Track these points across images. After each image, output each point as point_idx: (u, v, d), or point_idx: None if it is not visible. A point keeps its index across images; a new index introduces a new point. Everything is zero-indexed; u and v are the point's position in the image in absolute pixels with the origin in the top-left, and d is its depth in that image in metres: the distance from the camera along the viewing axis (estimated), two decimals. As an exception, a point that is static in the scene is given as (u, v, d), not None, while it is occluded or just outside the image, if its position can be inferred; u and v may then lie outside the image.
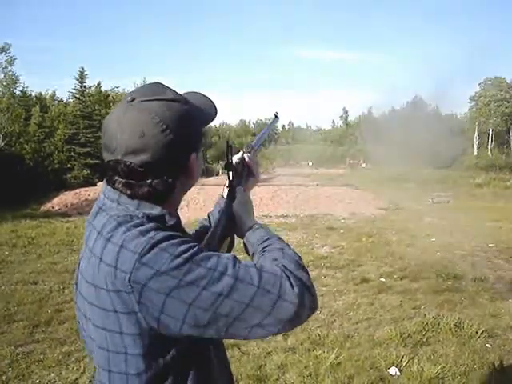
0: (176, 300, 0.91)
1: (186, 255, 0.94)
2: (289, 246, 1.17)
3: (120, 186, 1.06)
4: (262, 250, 1.17)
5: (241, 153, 1.46)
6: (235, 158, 1.43)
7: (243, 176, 1.43)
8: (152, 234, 0.96)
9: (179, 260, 0.92)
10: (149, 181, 1.04)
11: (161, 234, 0.96)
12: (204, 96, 1.22)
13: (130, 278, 0.92)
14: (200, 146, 1.14)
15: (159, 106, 1.03)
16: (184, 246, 0.95)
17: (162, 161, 1.03)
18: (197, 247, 0.98)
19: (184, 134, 1.06)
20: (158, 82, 1.12)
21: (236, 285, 0.94)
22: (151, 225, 0.99)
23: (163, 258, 0.92)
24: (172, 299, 0.91)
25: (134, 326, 0.96)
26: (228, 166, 1.34)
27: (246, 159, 1.46)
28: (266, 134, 1.65)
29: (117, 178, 1.06)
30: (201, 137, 1.15)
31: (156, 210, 1.06)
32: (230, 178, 1.36)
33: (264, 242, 1.21)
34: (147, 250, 0.93)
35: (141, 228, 0.97)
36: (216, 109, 1.21)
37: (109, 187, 1.10)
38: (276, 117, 1.74)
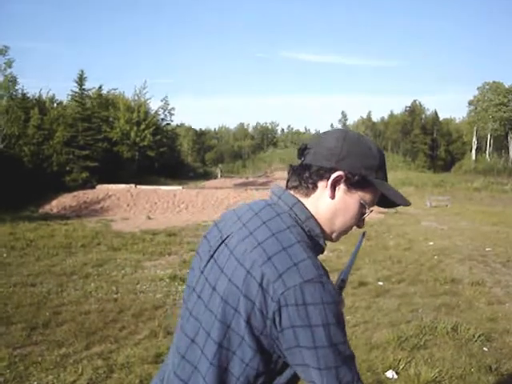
0: (293, 334, 1.03)
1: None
2: None
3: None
4: None
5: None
6: None
7: None
8: (321, 271, 1.06)
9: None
10: (305, 163, 1.22)
11: (326, 278, 1.06)
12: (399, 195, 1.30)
13: (283, 292, 1.02)
14: (356, 184, 1.19)
15: (356, 135, 1.24)
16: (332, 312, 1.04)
17: (318, 153, 1.20)
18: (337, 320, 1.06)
19: (349, 154, 1.18)
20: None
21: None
22: (320, 263, 1.09)
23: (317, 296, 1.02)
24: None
25: (256, 320, 1.06)
26: None
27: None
28: (354, 261, 1.55)
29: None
30: (363, 179, 1.19)
31: (318, 230, 1.19)
32: None
33: None
34: (312, 282, 1.03)
35: (314, 261, 1.07)
36: (399, 202, 1.29)
37: (287, 191, 1.24)
38: (363, 235, 1.57)
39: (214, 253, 1.20)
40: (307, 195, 1.20)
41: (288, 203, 1.20)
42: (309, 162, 1.20)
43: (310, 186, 1.19)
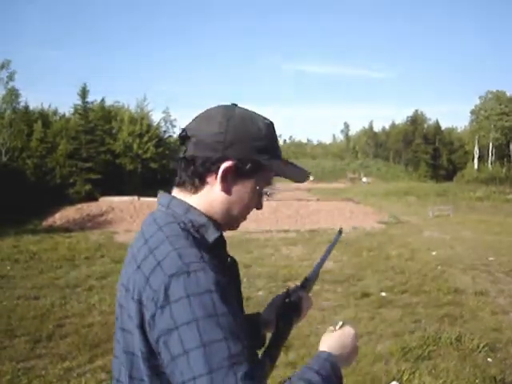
0: (164, 345, 0.89)
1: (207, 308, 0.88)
2: None
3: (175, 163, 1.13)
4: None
5: (296, 291, 1.35)
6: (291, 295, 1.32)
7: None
8: (189, 259, 0.93)
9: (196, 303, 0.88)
10: (186, 155, 1.08)
11: (196, 265, 0.92)
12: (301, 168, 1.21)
13: (153, 297, 0.91)
14: (248, 170, 1.08)
15: (242, 112, 1.11)
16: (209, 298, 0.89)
17: (201, 141, 1.07)
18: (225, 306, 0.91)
19: (235, 138, 1.06)
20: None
21: None
22: (194, 250, 0.96)
23: (183, 290, 0.89)
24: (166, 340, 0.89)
25: (141, 342, 0.95)
26: (281, 317, 1.27)
27: (302, 298, 1.34)
28: (327, 258, 1.47)
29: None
30: (254, 162, 1.08)
31: (202, 219, 1.06)
32: (280, 330, 1.27)
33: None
34: (176, 275, 0.90)
35: (182, 251, 0.95)
36: (303, 173, 1.20)
37: (162, 193, 1.15)
38: (340, 232, 1.57)
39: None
40: (196, 192, 1.09)
41: (165, 203, 1.11)
42: (192, 154, 1.07)
43: (197, 181, 1.07)
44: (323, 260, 1.45)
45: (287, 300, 1.28)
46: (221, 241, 1.09)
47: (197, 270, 0.91)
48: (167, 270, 0.92)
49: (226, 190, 1.07)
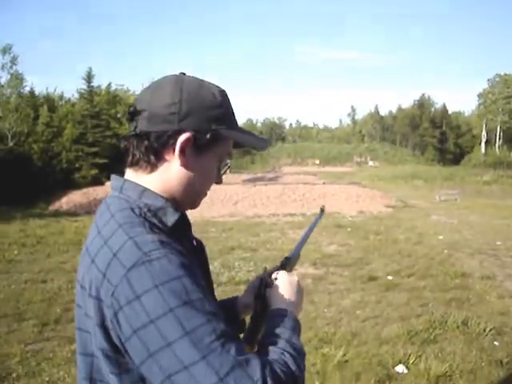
0: (139, 341, 0.82)
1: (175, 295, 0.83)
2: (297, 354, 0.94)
3: (122, 142, 1.04)
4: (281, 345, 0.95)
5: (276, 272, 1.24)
6: (273, 275, 1.21)
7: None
8: (148, 248, 0.86)
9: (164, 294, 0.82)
10: (137, 132, 0.98)
11: (157, 253, 0.86)
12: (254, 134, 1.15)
13: (113, 293, 0.84)
14: (206, 141, 1.00)
15: (192, 82, 1.02)
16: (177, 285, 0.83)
17: (154, 114, 0.98)
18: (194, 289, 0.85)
19: (190, 109, 0.98)
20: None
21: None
22: (151, 237, 0.89)
23: (147, 284, 0.82)
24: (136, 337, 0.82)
25: (104, 340, 0.88)
26: (259, 298, 1.20)
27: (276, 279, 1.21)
28: (308, 237, 1.43)
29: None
30: (211, 132, 1.01)
31: (158, 202, 0.98)
32: (258, 311, 1.20)
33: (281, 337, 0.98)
34: (136, 266, 0.84)
35: (138, 239, 0.88)
36: (260, 141, 1.13)
37: (114, 176, 1.06)
38: (322, 211, 1.55)
39: None
40: (152, 171, 1.00)
41: (117, 187, 1.02)
42: (145, 129, 0.98)
43: (153, 158, 0.99)
44: (304, 239, 1.40)
45: (264, 280, 1.21)
46: (182, 222, 1.01)
47: (159, 258, 0.84)
48: (125, 261, 0.84)
49: (185, 164, 0.99)
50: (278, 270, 1.23)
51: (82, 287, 0.94)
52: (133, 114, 1.00)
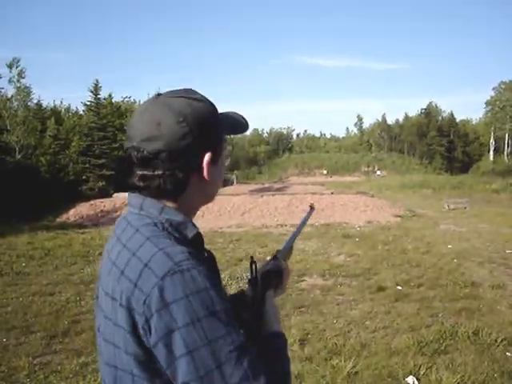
0: (165, 346, 0.88)
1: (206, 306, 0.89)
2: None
3: (136, 179, 1.03)
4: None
5: (269, 262, 1.36)
6: (265, 267, 1.32)
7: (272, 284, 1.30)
8: (178, 258, 0.91)
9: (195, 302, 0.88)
10: (160, 172, 1.00)
11: (187, 263, 0.91)
12: (237, 113, 1.20)
13: (145, 301, 0.89)
14: (219, 150, 1.09)
15: (182, 102, 1.03)
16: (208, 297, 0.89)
17: (174, 152, 0.99)
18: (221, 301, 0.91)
19: (201, 131, 1.02)
20: (189, 88, 1.12)
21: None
22: (181, 248, 0.95)
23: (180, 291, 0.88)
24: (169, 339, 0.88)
25: (138, 347, 0.92)
26: (252, 281, 1.26)
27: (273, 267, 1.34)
28: (300, 232, 1.52)
29: (134, 170, 1.04)
30: (220, 141, 1.10)
31: (179, 218, 1.03)
32: (251, 293, 1.26)
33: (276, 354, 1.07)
34: (169, 275, 0.89)
35: (168, 250, 0.93)
36: (245, 124, 1.19)
37: (132, 195, 1.08)
38: (312, 208, 1.61)
39: None
40: (181, 193, 1.05)
41: (137, 205, 1.05)
42: (168, 170, 1.00)
43: (180, 188, 1.03)
44: (295, 235, 1.49)
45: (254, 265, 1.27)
46: (200, 237, 1.07)
47: (190, 269, 0.90)
48: (158, 271, 0.90)
49: (208, 177, 1.05)
50: (270, 261, 1.35)
51: (113, 299, 0.97)
52: (147, 160, 1.00)
